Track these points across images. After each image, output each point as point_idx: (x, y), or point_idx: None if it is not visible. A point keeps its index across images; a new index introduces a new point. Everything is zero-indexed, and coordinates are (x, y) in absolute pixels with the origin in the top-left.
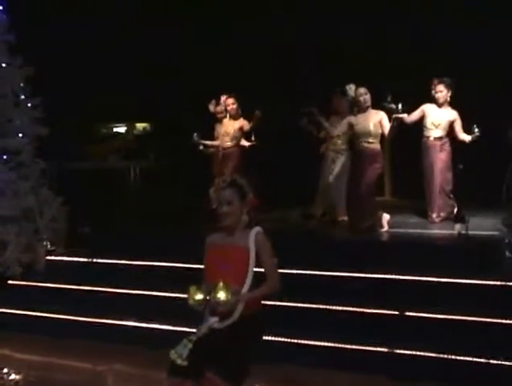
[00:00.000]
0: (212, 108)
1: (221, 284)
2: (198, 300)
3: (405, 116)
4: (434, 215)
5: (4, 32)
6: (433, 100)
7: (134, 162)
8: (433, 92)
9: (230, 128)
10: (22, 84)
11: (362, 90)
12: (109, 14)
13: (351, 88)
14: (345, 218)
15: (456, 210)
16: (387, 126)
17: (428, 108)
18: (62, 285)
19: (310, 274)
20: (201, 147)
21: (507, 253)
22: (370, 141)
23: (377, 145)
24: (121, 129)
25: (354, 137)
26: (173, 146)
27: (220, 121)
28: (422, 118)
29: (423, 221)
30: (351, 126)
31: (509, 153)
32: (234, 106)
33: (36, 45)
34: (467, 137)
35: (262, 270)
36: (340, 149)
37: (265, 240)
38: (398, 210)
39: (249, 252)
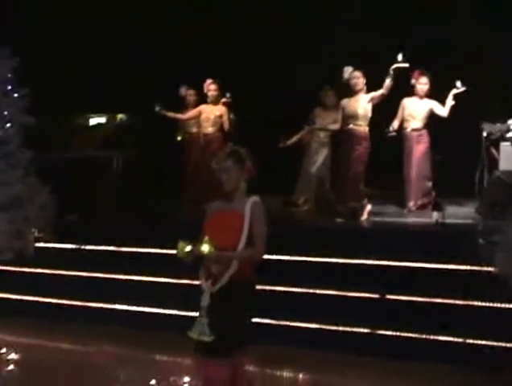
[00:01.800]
0: (183, 91)
1: (206, 238)
2: (187, 252)
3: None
4: (411, 204)
5: None
6: (413, 92)
7: (116, 152)
8: (414, 81)
9: (211, 114)
10: (9, 75)
11: (357, 73)
12: (90, 12)
13: (347, 70)
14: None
15: (433, 199)
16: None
17: (407, 102)
18: (52, 271)
19: (293, 260)
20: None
21: (480, 240)
22: (359, 123)
23: (365, 128)
24: (102, 120)
25: (343, 119)
26: (152, 136)
27: (189, 106)
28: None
29: (400, 210)
30: (342, 108)
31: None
32: (215, 93)
33: (21, 36)
34: (449, 104)
35: None
36: (324, 142)
37: (260, 209)
38: (374, 200)
39: (244, 218)
